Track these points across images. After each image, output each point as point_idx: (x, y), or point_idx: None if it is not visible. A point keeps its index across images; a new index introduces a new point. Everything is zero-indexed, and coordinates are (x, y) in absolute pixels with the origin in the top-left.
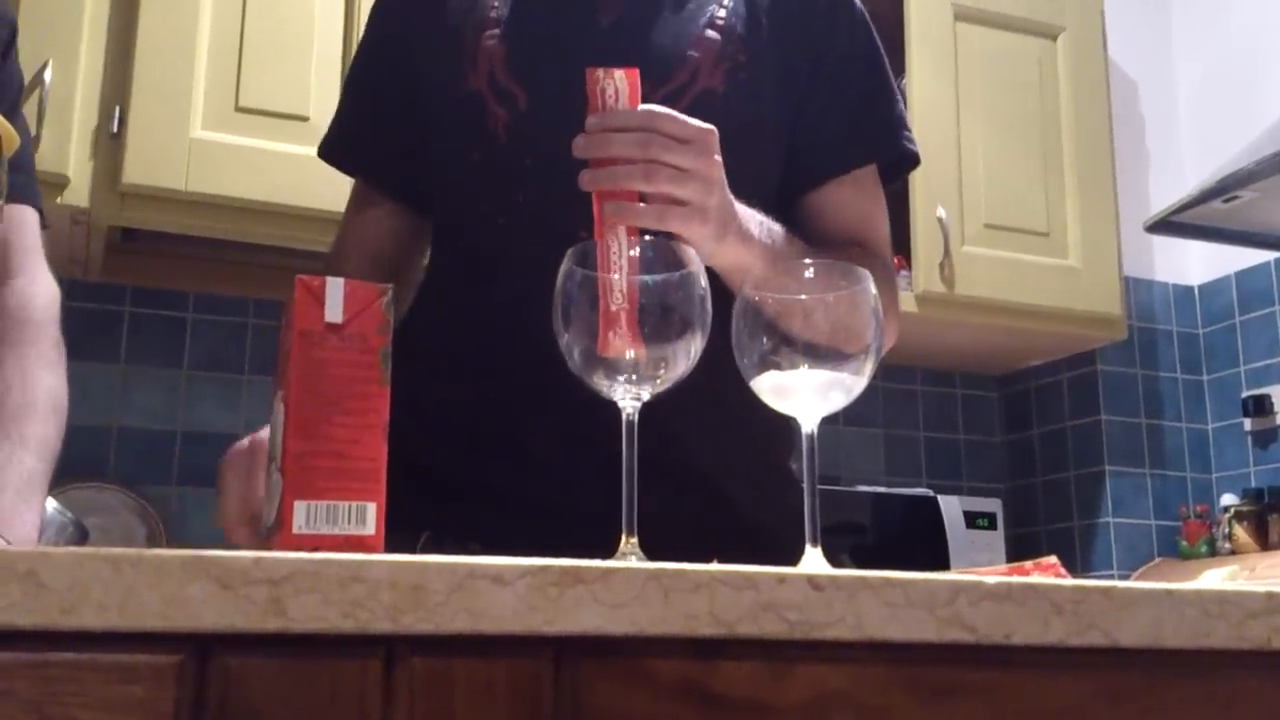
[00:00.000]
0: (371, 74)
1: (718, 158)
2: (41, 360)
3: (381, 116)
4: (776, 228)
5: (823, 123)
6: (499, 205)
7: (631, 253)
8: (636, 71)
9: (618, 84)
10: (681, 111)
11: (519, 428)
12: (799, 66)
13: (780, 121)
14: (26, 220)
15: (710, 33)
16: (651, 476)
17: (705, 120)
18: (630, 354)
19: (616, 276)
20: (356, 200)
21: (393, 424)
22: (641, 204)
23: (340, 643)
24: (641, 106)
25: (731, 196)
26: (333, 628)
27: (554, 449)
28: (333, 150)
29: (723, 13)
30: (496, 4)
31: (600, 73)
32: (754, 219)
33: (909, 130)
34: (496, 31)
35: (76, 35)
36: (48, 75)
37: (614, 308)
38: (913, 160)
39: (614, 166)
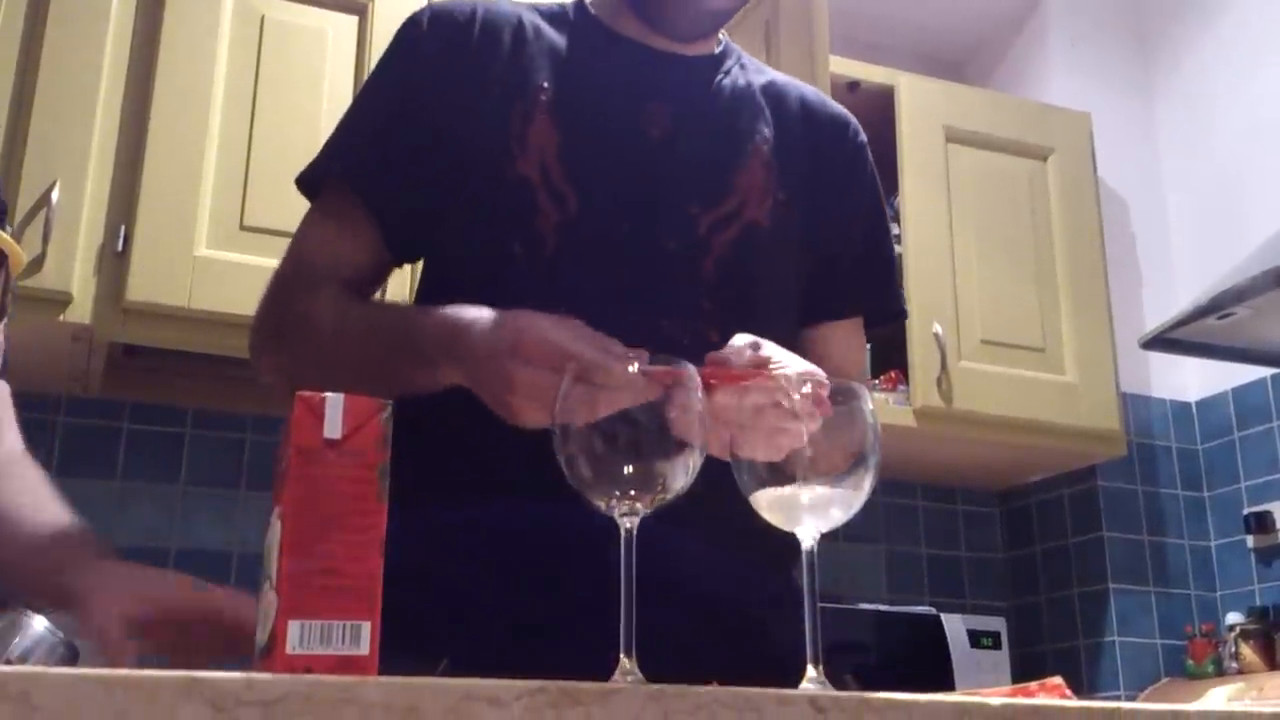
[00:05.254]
0: (396, 112)
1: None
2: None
3: (400, 156)
4: None
5: (829, 270)
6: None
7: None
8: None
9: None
10: (730, 240)
11: (530, 547)
12: (822, 206)
13: (803, 257)
14: None
15: (755, 163)
16: (653, 592)
17: (751, 251)
18: None
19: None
20: (333, 220)
21: (408, 541)
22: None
23: None
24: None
25: None
26: None
27: (563, 568)
28: (357, 176)
29: (765, 145)
30: (545, 82)
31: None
32: None
33: (901, 287)
34: (548, 116)
35: (85, 155)
36: (55, 195)
37: None
38: (901, 315)
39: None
